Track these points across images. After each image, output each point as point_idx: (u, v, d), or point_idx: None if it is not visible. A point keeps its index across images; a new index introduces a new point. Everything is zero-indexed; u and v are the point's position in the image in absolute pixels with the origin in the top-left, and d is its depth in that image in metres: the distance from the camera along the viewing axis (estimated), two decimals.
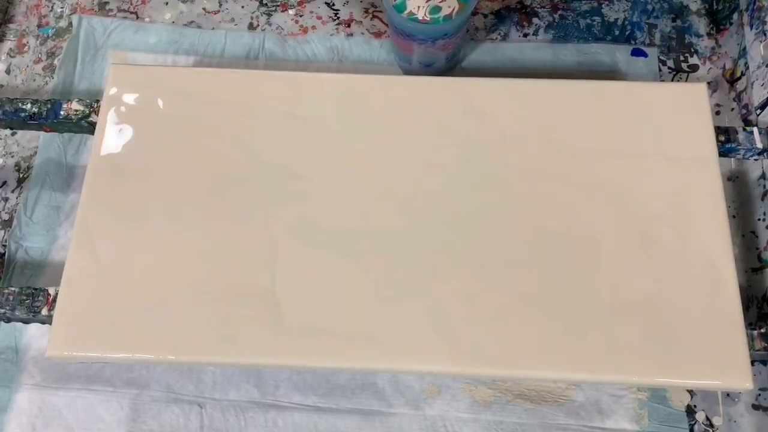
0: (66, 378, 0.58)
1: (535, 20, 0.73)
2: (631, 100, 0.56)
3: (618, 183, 0.53)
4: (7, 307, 0.53)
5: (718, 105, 0.69)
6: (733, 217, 0.64)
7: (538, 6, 0.74)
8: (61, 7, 0.75)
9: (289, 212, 0.53)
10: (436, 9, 0.58)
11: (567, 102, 0.56)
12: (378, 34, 0.72)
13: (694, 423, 0.57)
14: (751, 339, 0.51)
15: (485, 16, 0.73)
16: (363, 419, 0.57)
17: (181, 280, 0.51)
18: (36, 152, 0.68)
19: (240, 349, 0.49)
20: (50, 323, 0.50)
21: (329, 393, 0.58)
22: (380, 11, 0.74)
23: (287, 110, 0.56)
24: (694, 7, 0.74)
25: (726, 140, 0.57)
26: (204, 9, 0.75)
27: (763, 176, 0.62)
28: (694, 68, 0.71)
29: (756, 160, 0.60)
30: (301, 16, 0.74)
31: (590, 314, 0.49)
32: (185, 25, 0.74)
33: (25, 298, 0.53)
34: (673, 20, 0.73)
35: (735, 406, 0.57)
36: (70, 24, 0.74)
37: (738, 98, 0.67)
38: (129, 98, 0.57)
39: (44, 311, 0.53)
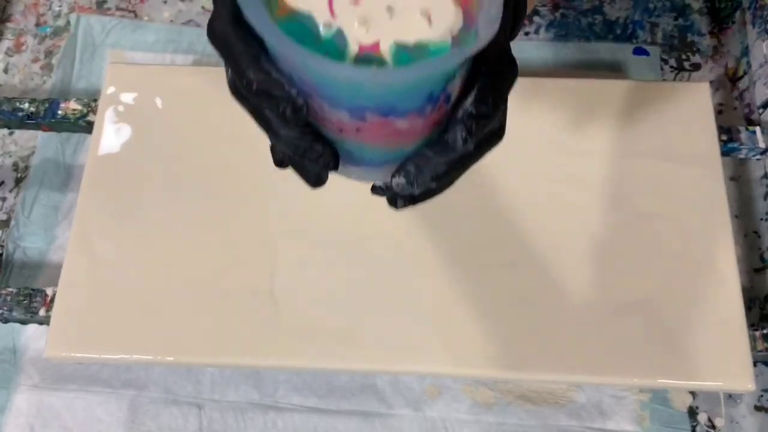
0: (64, 379, 0.58)
1: (536, 19, 0.73)
2: (632, 99, 0.56)
3: (619, 182, 0.53)
4: (5, 308, 0.53)
5: (720, 104, 0.68)
6: (736, 217, 0.64)
7: (539, 4, 0.73)
8: (59, 6, 0.75)
9: (289, 212, 0.52)
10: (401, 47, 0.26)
11: (568, 101, 0.56)
12: None
13: (696, 424, 0.56)
14: (753, 340, 0.51)
15: None
16: (363, 420, 0.56)
17: (179, 280, 0.50)
18: (34, 152, 0.67)
19: (239, 349, 0.49)
20: (48, 324, 0.50)
21: (329, 394, 0.57)
22: None
23: None
24: (696, 5, 0.73)
25: (728, 140, 0.57)
26: (203, 7, 0.74)
27: (765, 176, 0.62)
28: (696, 67, 0.70)
29: (759, 159, 0.60)
30: None
31: (592, 315, 0.49)
32: (184, 23, 0.73)
33: (22, 298, 0.53)
34: (675, 19, 0.73)
35: (737, 408, 0.57)
36: (68, 23, 0.73)
37: (740, 97, 0.67)
38: (127, 97, 0.57)
39: (42, 312, 0.52)
